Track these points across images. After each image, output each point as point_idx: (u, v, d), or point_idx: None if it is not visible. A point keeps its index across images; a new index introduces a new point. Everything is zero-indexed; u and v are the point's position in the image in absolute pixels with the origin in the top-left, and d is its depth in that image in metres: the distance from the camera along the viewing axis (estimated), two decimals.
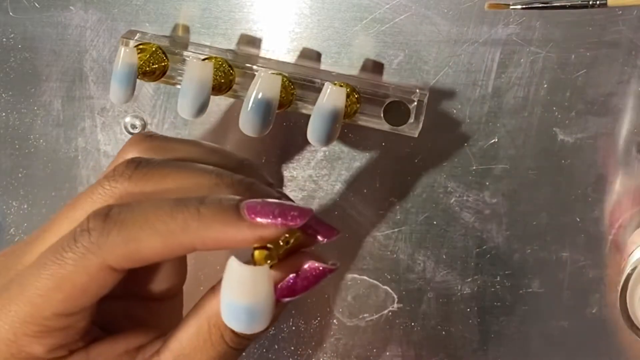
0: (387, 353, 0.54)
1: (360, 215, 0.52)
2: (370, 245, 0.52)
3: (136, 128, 0.51)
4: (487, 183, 0.51)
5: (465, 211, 0.51)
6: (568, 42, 0.48)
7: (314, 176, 0.51)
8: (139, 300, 0.39)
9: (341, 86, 0.46)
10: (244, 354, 0.54)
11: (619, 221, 0.50)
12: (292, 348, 0.54)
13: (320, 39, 0.49)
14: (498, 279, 0.52)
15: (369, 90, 0.47)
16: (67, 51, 0.50)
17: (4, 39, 0.50)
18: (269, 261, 0.34)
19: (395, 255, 0.52)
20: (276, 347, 0.54)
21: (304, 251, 0.35)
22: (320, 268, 0.35)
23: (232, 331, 0.35)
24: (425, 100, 0.47)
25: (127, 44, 0.47)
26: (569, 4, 0.45)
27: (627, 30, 0.47)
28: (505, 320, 0.53)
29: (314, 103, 0.46)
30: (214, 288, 0.36)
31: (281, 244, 0.35)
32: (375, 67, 0.49)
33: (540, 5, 0.46)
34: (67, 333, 0.35)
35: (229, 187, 0.35)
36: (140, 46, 0.47)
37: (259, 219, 0.33)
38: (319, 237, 0.36)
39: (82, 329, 0.36)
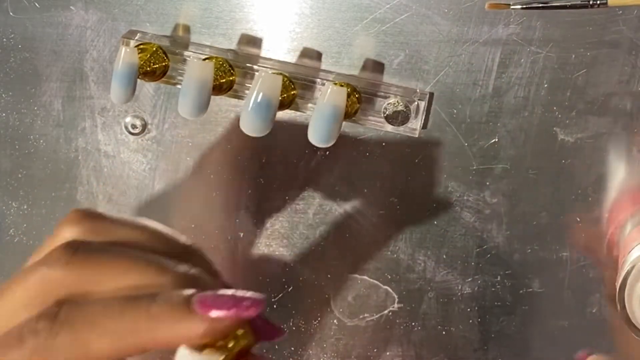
0: (388, 353, 0.54)
1: (360, 215, 0.52)
2: (370, 245, 0.52)
3: (136, 128, 0.51)
4: (488, 183, 0.51)
5: (466, 211, 0.51)
6: (568, 42, 0.48)
7: (314, 176, 0.51)
8: None
9: (342, 86, 0.46)
10: None
11: (617, 220, 0.50)
12: (292, 348, 0.54)
13: (320, 39, 0.49)
14: (498, 278, 0.52)
15: (369, 90, 0.47)
16: (67, 51, 0.50)
17: (4, 39, 0.50)
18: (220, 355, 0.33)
19: (395, 255, 0.52)
20: (276, 347, 0.54)
21: (254, 354, 0.35)
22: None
23: None
24: (426, 100, 0.47)
25: (127, 44, 0.47)
26: (569, 3, 0.45)
27: (627, 30, 0.47)
28: (505, 320, 0.53)
29: (314, 102, 0.46)
30: None
31: (229, 345, 0.33)
32: (375, 67, 0.49)
33: (541, 5, 0.46)
34: None
35: (173, 281, 0.35)
36: (141, 46, 0.47)
37: (211, 313, 0.33)
38: (263, 338, 0.35)
39: None
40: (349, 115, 0.47)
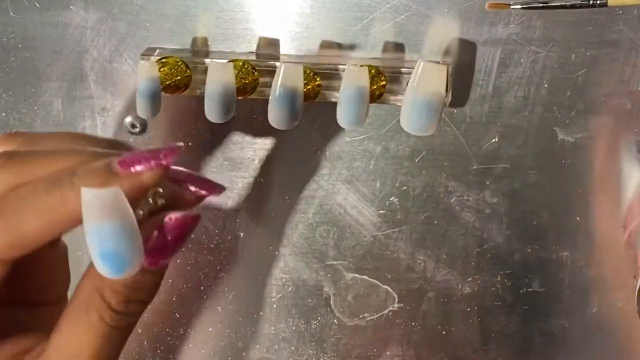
0: (388, 353, 0.54)
1: (360, 215, 0.52)
2: (370, 244, 0.52)
3: (136, 128, 0.51)
4: (488, 183, 0.51)
5: (466, 211, 0.51)
6: (568, 42, 0.48)
7: (314, 175, 0.51)
8: (24, 307, 0.39)
9: (362, 66, 0.45)
10: (244, 353, 0.54)
11: (627, 231, 0.50)
12: (292, 348, 0.54)
13: (320, 38, 0.49)
14: (498, 278, 0.52)
15: (394, 69, 0.47)
16: (67, 51, 0.50)
17: (4, 39, 0.50)
18: (140, 211, 0.34)
19: (395, 255, 0.52)
20: (276, 347, 0.54)
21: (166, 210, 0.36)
22: (180, 216, 0.35)
23: (109, 307, 0.35)
24: (450, 69, 0.47)
25: (147, 59, 0.47)
26: (569, 3, 0.45)
27: (627, 30, 0.47)
28: (505, 319, 0.53)
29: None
30: (86, 273, 0.35)
31: (151, 201, 0.35)
32: (396, 48, 0.48)
33: (541, 4, 0.46)
34: None
35: (97, 158, 0.35)
36: (162, 60, 0.47)
37: (132, 169, 0.34)
38: (203, 192, 0.37)
39: None
40: (375, 96, 0.46)
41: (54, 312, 0.38)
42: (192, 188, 0.37)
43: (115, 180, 0.33)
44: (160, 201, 0.35)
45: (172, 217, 0.34)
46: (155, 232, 0.34)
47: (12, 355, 0.36)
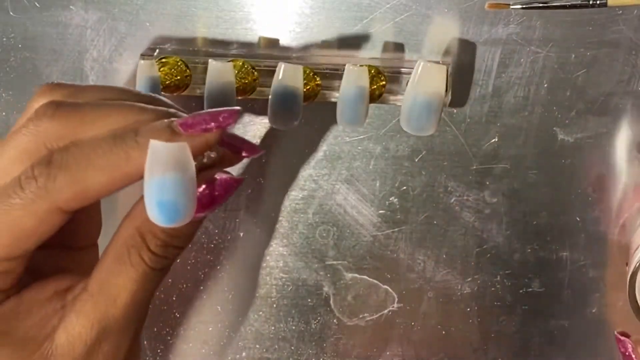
0: (387, 353, 0.54)
1: (360, 215, 0.52)
2: (370, 244, 0.52)
3: None
4: (487, 182, 0.51)
5: (466, 211, 0.51)
6: (568, 42, 0.48)
7: (314, 175, 0.51)
8: (60, 250, 0.40)
9: (362, 66, 0.46)
10: (244, 353, 0.54)
11: (622, 220, 0.51)
12: (292, 348, 0.54)
13: (320, 38, 0.49)
14: (498, 278, 0.52)
15: (394, 69, 0.47)
16: (67, 51, 0.50)
17: (4, 39, 0.50)
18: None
19: (395, 255, 0.52)
20: (276, 347, 0.54)
21: (214, 167, 0.37)
22: (228, 178, 0.36)
23: (149, 250, 0.36)
24: (450, 69, 0.47)
25: (147, 59, 0.47)
26: (569, 3, 0.45)
27: (627, 30, 0.47)
28: (505, 319, 0.53)
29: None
30: (129, 214, 0.37)
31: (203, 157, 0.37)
32: (395, 48, 0.48)
33: (541, 5, 0.46)
34: (5, 277, 0.36)
35: (153, 117, 0.36)
36: (162, 60, 0.47)
37: (192, 130, 0.35)
38: (243, 153, 0.38)
39: (18, 275, 0.36)
40: (375, 96, 0.47)
41: (84, 258, 0.40)
42: (240, 150, 0.38)
43: (179, 139, 0.35)
44: (210, 158, 0.37)
45: (221, 176, 0.36)
46: (203, 187, 0.36)
47: (55, 292, 0.37)
